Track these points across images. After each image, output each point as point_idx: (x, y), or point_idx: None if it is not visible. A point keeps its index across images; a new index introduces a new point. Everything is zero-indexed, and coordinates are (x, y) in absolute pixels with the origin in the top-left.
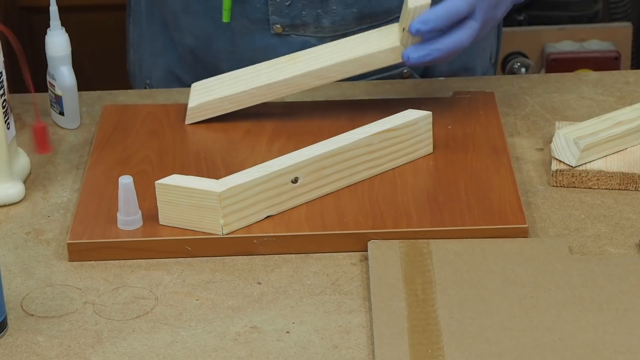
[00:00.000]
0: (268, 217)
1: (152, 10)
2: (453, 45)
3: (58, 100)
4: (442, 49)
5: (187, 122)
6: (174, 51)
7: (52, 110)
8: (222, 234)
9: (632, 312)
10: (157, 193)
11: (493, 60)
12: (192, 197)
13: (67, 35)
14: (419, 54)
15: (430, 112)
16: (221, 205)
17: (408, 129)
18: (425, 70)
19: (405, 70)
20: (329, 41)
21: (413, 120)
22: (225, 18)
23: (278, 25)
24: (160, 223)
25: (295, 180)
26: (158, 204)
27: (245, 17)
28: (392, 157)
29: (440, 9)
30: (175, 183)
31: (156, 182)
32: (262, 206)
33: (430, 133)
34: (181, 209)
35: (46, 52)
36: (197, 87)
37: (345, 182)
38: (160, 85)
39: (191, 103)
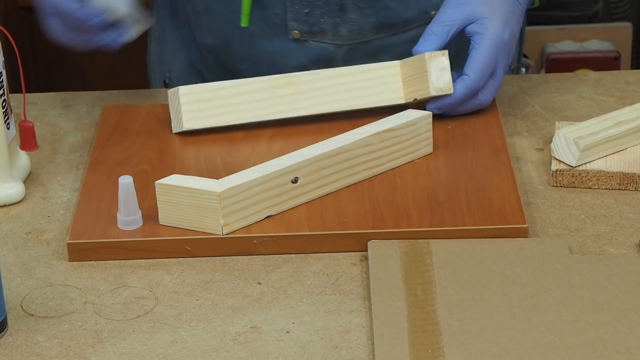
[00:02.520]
0: (268, 217)
1: (175, 6)
2: (476, 107)
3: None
4: (463, 110)
5: (175, 131)
6: (196, 47)
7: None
8: (222, 234)
9: (632, 312)
10: (157, 193)
11: (513, 67)
12: (192, 197)
13: None
14: (438, 108)
15: (430, 112)
16: (221, 206)
17: (408, 129)
18: None
19: None
20: (346, 49)
21: (413, 120)
22: (244, 23)
23: (296, 32)
24: (160, 223)
25: (295, 181)
26: (158, 204)
27: (264, 21)
28: (392, 157)
29: (460, 91)
30: (175, 183)
31: (156, 182)
32: (262, 206)
33: (431, 133)
34: (181, 209)
35: None
36: (187, 97)
37: (345, 182)
38: (180, 80)
39: (186, 123)
